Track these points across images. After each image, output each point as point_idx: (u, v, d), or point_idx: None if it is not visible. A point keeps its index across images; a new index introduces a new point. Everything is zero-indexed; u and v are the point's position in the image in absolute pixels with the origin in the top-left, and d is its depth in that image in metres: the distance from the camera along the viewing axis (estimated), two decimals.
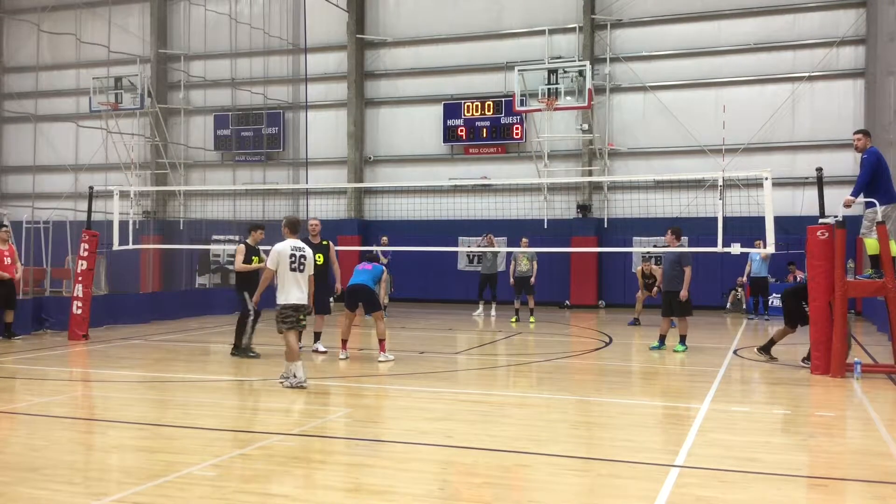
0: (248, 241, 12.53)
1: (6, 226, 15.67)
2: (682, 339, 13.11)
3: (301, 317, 9.57)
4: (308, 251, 9.69)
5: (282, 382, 9.44)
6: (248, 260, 12.15)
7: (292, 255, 9.47)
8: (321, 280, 11.83)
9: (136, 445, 6.87)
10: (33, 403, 8.66)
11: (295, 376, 9.39)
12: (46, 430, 7.49)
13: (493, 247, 19.60)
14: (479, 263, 24.19)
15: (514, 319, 18.45)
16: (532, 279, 18.15)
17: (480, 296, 19.88)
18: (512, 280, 18.44)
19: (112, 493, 5.33)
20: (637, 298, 18.41)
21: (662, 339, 13.39)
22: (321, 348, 12.54)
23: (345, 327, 11.94)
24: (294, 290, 9.47)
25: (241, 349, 12.11)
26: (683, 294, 12.78)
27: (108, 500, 5.19)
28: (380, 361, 11.55)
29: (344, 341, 11.93)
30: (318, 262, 11.57)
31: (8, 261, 14.63)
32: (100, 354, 13.01)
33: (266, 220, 24.57)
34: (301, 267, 9.52)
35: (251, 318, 12.11)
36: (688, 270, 12.85)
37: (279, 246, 9.54)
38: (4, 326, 14.47)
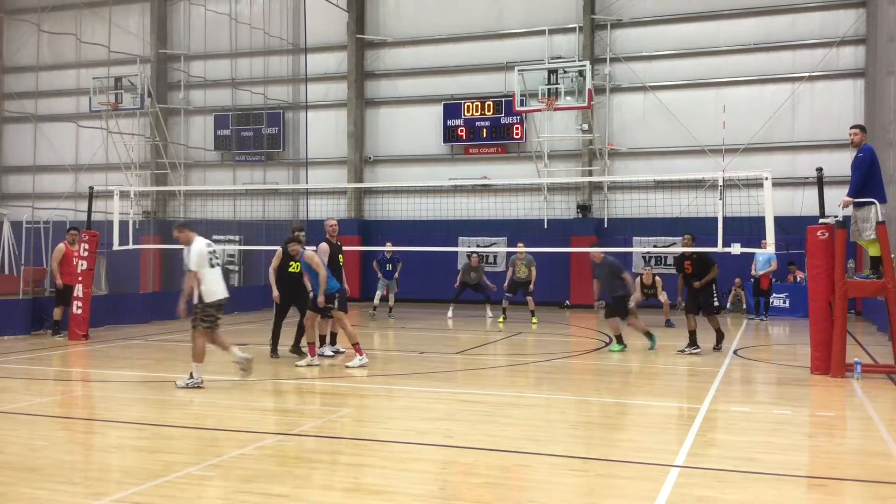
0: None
1: (76, 229, 15.66)
2: (654, 337, 13.30)
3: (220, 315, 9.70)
4: (215, 245, 9.84)
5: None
6: (285, 264, 12.02)
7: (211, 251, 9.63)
8: (340, 281, 11.87)
9: (136, 445, 6.87)
10: (33, 403, 8.66)
11: (192, 377, 9.45)
12: (46, 430, 7.49)
13: (479, 265, 19.41)
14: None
15: (501, 319, 18.29)
16: (531, 286, 18.02)
17: (457, 298, 19.55)
18: (507, 284, 18.31)
19: (112, 493, 5.34)
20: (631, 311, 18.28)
21: (649, 335, 13.41)
22: (341, 349, 12.51)
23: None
24: (219, 286, 9.56)
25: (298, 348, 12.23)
26: (635, 297, 12.95)
27: (108, 500, 5.20)
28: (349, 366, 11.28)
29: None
30: (340, 263, 12.05)
31: (75, 261, 14.92)
32: (100, 354, 13.01)
33: (266, 220, 24.64)
34: (219, 262, 9.70)
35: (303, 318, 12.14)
36: (626, 276, 13.11)
37: (198, 243, 9.65)
38: (53, 323, 15.00)
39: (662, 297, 17.97)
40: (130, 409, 8.57)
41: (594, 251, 13.57)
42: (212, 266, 9.50)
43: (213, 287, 9.48)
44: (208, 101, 27.82)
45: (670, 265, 22.51)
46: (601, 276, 13.29)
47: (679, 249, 13.44)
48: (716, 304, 13.18)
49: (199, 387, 9.34)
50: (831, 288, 10.56)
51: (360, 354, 11.18)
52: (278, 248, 12.22)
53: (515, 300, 18.55)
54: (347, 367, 11.09)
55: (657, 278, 18.20)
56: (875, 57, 19.80)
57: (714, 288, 13.10)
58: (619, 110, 23.89)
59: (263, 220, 24.63)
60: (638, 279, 18.56)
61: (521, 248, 18.11)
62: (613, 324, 13.33)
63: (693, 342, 12.82)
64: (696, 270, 12.96)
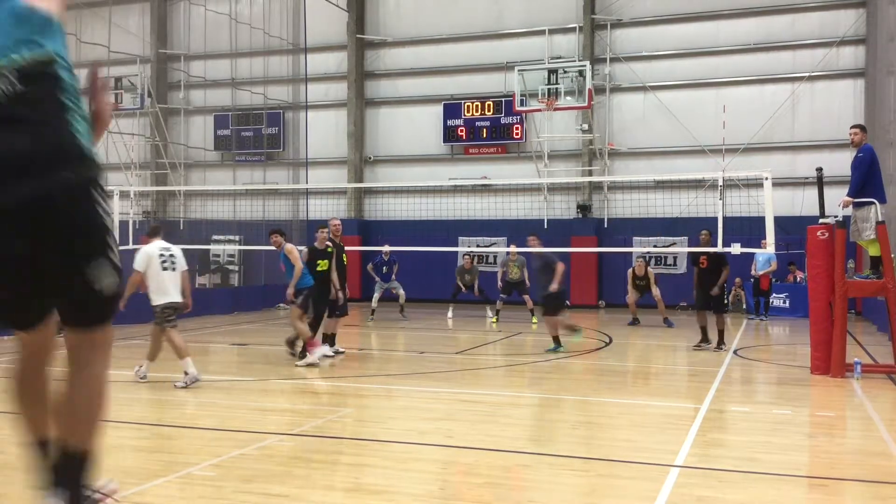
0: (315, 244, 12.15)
1: None
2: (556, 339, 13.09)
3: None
4: (176, 250, 9.85)
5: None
6: (313, 262, 11.80)
7: (161, 255, 9.64)
8: (343, 282, 11.82)
9: (135, 445, 6.87)
10: None
11: (186, 374, 9.46)
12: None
13: (472, 267, 19.45)
14: (480, 263, 24.23)
15: (494, 319, 18.23)
16: (527, 283, 17.97)
17: (454, 298, 19.57)
18: (500, 284, 18.31)
19: None
20: (629, 302, 18.23)
21: (557, 339, 13.09)
22: (340, 349, 12.48)
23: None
24: (164, 291, 9.61)
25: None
26: (554, 287, 12.69)
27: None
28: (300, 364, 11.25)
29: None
30: (343, 263, 12.06)
31: None
32: None
33: (266, 220, 24.62)
34: (173, 266, 9.69)
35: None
36: (559, 266, 12.75)
37: (147, 248, 9.72)
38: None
39: (656, 291, 17.90)
40: (130, 409, 8.56)
41: (535, 250, 13.34)
42: (164, 269, 9.54)
43: (160, 290, 9.54)
44: (208, 101, 27.81)
45: (670, 265, 22.56)
46: (535, 269, 13.28)
47: (678, 250, 13.44)
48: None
49: (197, 381, 9.35)
50: (831, 288, 10.56)
51: (311, 352, 11.21)
52: (304, 249, 12.15)
53: (511, 300, 18.54)
54: (297, 365, 11.14)
55: (649, 269, 18.15)
56: (875, 57, 19.80)
57: (725, 287, 13.24)
58: (619, 110, 23.89)
59: (263, 220, 24.61)
60: (630, 271, 18.54)
61: (513, 249, 18.06)
62: (551, 322, 13.01)
63: (705, 338, 12.91)
64: (712, 266, 12.96)
